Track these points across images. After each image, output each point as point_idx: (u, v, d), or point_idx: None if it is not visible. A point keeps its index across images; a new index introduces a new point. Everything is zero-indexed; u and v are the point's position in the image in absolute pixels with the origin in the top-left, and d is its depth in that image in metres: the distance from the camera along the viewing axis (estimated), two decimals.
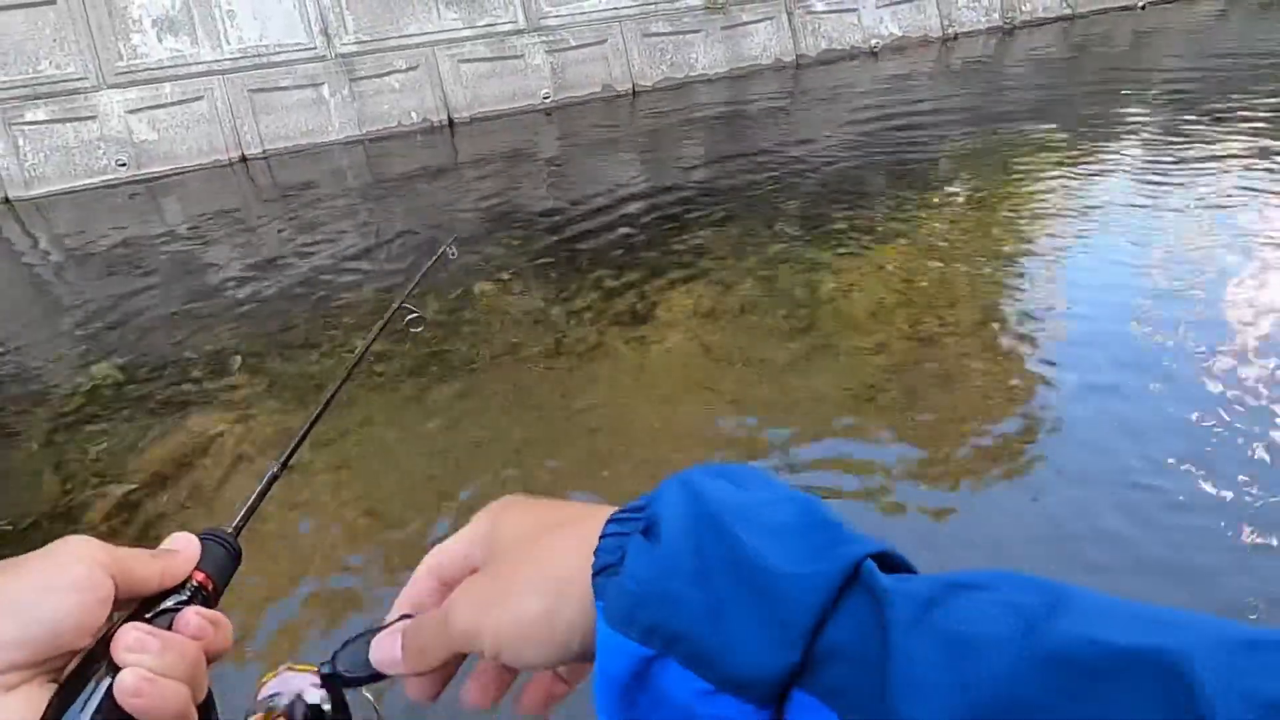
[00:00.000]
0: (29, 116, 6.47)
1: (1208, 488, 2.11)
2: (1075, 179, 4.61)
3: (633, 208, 4.89)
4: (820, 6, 9.01)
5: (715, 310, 3.43)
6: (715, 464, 0.41)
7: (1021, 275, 3.50)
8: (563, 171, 6.12)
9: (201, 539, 0.51)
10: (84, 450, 2.84)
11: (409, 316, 1.02)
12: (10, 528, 2.46)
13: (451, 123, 7.61)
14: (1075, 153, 5.08)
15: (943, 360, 2.85)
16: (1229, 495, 2.08)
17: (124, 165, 6.68)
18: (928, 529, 2.09)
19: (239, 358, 3.40)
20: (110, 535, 2.36)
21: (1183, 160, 4.68)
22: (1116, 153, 5.04)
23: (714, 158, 6.05)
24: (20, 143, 6.46)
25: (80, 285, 4.73)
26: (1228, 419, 2.36)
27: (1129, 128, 5.57)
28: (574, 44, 8.03)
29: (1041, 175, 4.74)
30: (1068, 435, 2.41)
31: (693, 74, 8.50)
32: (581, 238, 4.44)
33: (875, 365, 2.86)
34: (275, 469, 0.65)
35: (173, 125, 6.85)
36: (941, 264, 3.64)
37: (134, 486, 2.59)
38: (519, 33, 7.85)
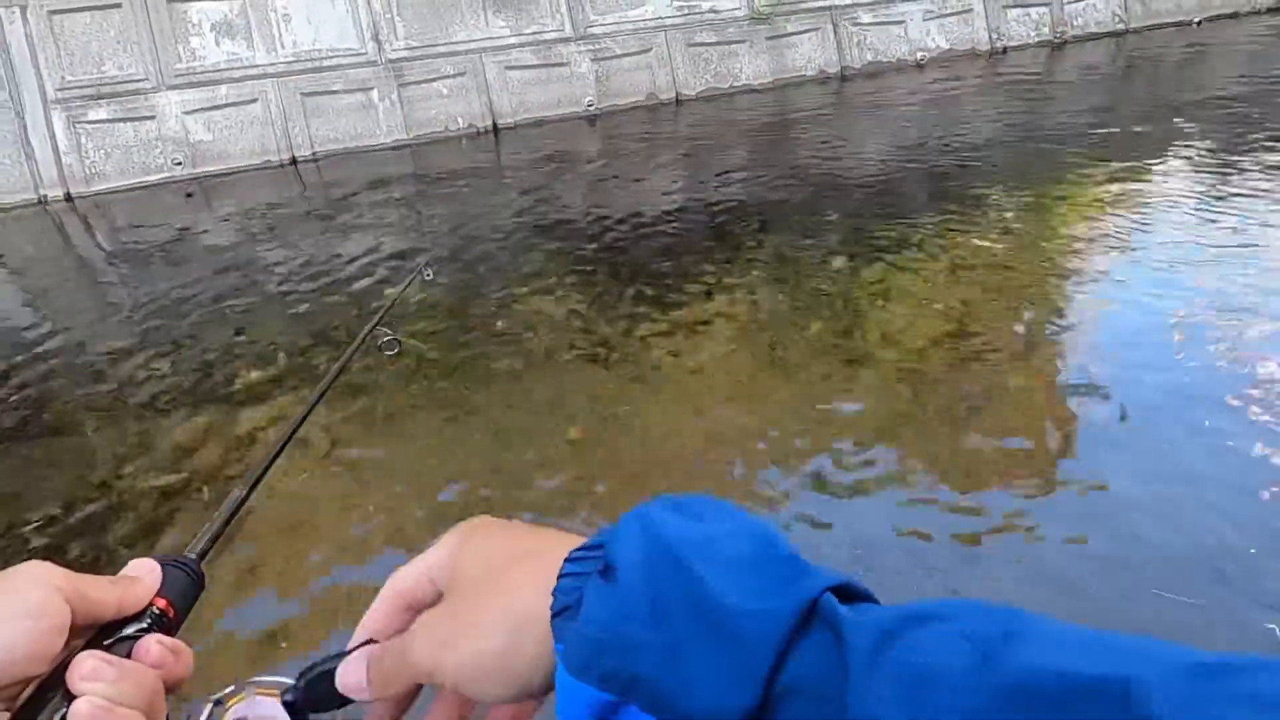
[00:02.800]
0: (91, 116, 6.70)
1: (1260, 516, 2.07)
2: (1125, 197, 4.53)
3: (673, 216, 4.91)
4: (866, 18, 8.96)
5: (754, 321, 3.43)
6: (675, 496, 0.41)
7: (1067, 293, 3.45)
8: (604, 179, 6.17)
9: (163, 565, 0.50)
10: (132, 440, 2.94)
11: (384, 339, 1.01)
12: (61, 512, 2.56)
13: (496, 128, 7.71)
14: (1124, 170, 4.99)
15: (983, 378, 2.82)
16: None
17: (180, 164, 6.88)
18: (964, 549, 2.07)
19: (284, 356, 3.49)
20: (155, 527, 2.44)
21: (1237, 181, 4.57)
22: (1168, 172, 4.95)
23: (755, 168, 6.05)
24: (83, 140, 6.69)
25: (134, 279, 4.88)
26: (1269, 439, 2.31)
27: (1181, 146, 5.45)
28: (619, 52, 8.10)
29: (1089, 193, 4.67)
30: (1114, 458, 2.37)
31: (737, 84, 8.51)
32: (621, 245, 4.47)
33: (914, 380, 2.84)
34: (242, 493, 0.63)
35: (227, 126, 7.04)
36: (984, 280, 3.60)
37: (180, 476, 2.67)
38: (565, 41, 7.93)
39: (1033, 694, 0.28)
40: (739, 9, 8.49)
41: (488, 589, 0.40)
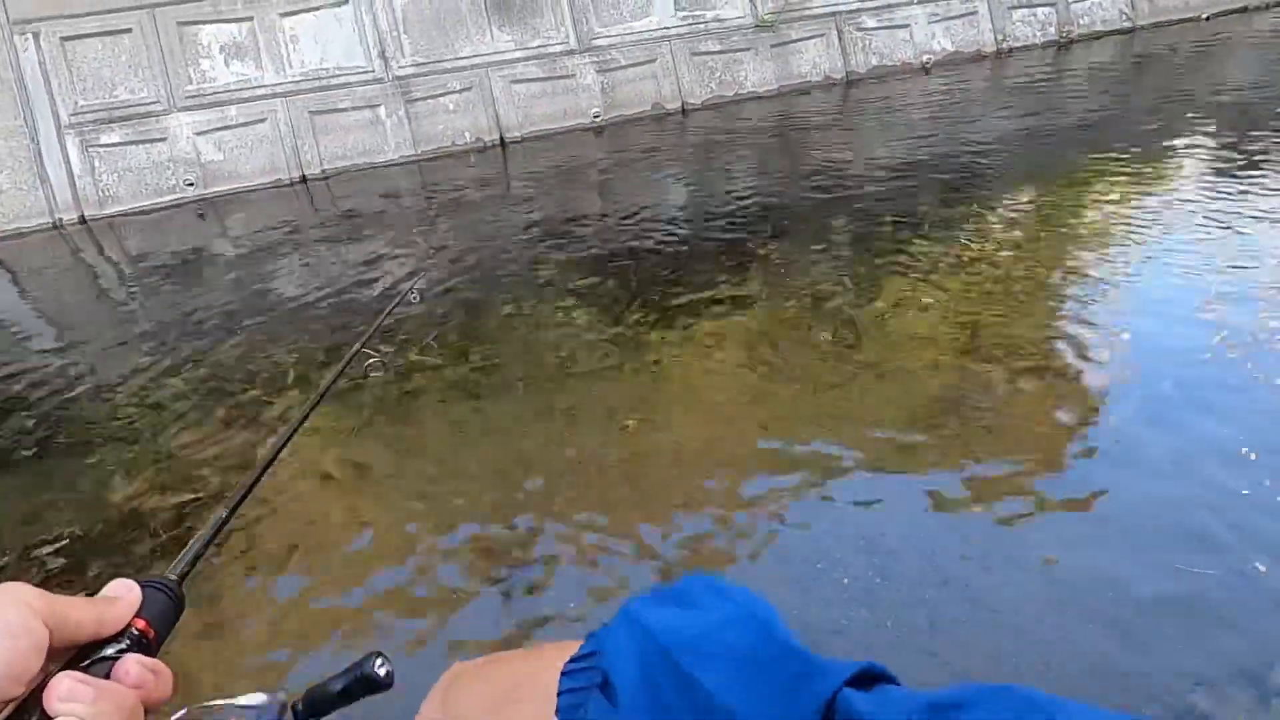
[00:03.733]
0: (104, 139, 6.78)
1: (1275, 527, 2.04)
2: (1135, 198, 4.50)
3: (681, 225, 4.91)
4: (871, 23, 8.97)
5: (763, 330, 3.42)
6: (662, 586, 0.40)
7: (1078, 297, 3.43)
8: (612, 189, 6.18)
9: (143, 586, 0.50)
10: (147, 459, 2.95)
11: (369, 361, 1.00)
12: (82, 533, 2.57)
13: (504, 142, 7.75)
14: (1135, 171, 4.96)
15: (996, 384, 2.80)
16: None
17: (191, 185, 6.95)
18: (980, 557, 2.05)
19: (293, 374, 3.51)
20: (176, 544, 2.44)
21: (1249, 178, 4.53)
22: (1179, 172, 4.91)
23: (763, 175, 6.05)
24: (96, 164, 6.77)
25: (147, 300, 4.92)
26: None
27: (1191, 145, 5.42)
28: (624, 63, 8.13)
29: (1099, 194, 4.64)
30: (1130, 467, 2.34)
31: (742, 91, 8.52)
32: (630, 255, 4.48)
33: (926, 387, 2.83)
34: (223, 515, 0.62)
35: (238, 146, 7.11)
36: (996, 283, 3.58)
37: (196, 495, 2.68)
38: (570, 53, 7.97)
39: None
40: (743, 17, 8.51)
41: None
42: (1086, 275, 3.60)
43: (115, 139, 6.80)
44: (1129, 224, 4.11)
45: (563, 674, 0.38)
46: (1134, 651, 1.72)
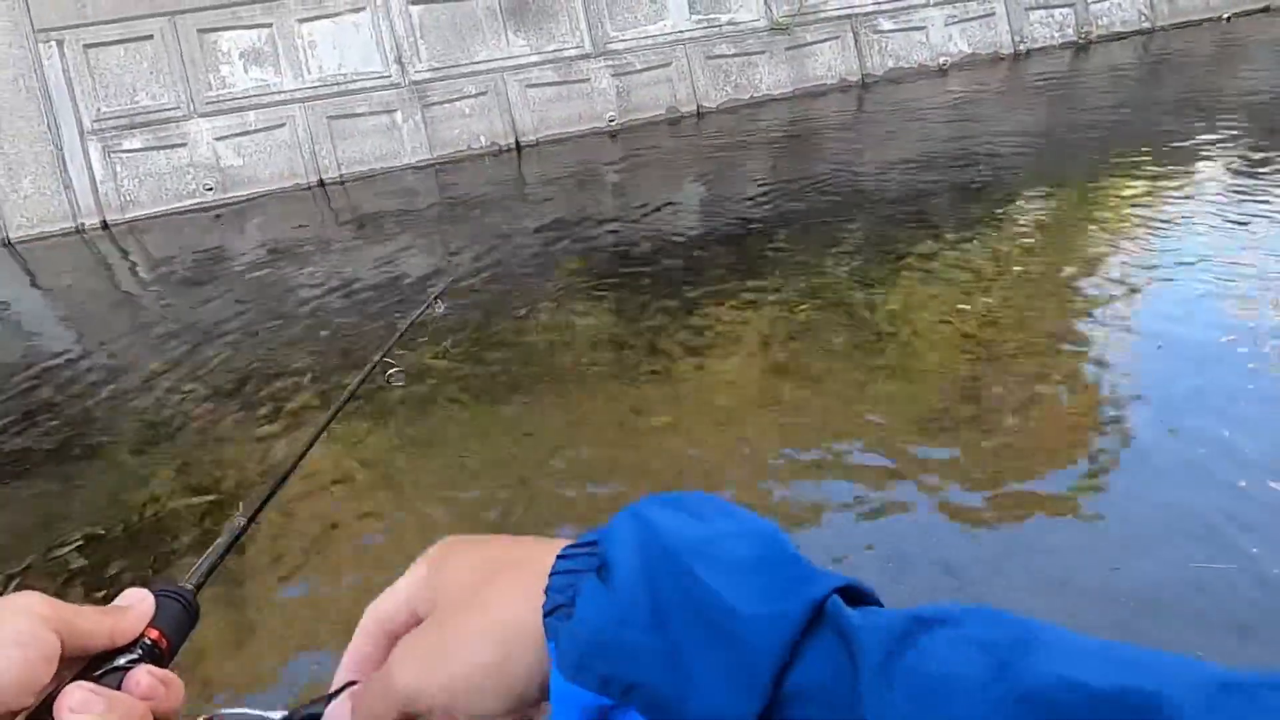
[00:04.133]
0: (126, 145, 6.86)
1: None
2: (1153, 201, 4.46)
3: (696, 228, 4.92)
4: (887, 25, 8.94)
5: (779, 332, 3.42)
6: (671, 493, 0.39)
7: (1098, 300, 3.40)
8: (626, 193, 6.20)
9: (157, 595, 0.49)
10: (168, 461, 2.99)
11: (390, 371, 1.00)
12: (103, 533, 2.61)
13: (519, 146, 7.78)
14: (1153, 174, 4.92)
15: (1013, 387, 2.79)
16: None
17: (211, 189, 7.03)
18: (994, 557, 2.04)
19: (312, 378, 3.54)
20: (195, 546, 2.47)
21: (1271, 180, 4.48)
22: (1198, 174, 4.86)
23: (777, 178, 6.05)
24: (118, 170, 6.86)
25: (168, 303, 4.98)
26: None
27: (1211, 147, 5.36)
28: (639, 67, 8.15)
29: (1117, 197, 4.60)
30: (1146, 471, 2.32)
31: (757, 95, 8.52)
32: (645, 259, 4.48)
33: (941, 389, 2.81)
34: (242, 522, 0.61)
35: (256, 151, 7.18)
36: (1011, 287, 3.56)
37: (216, 498, 2.71)
38: (585, 57, 7.99)
39: (1053, 705, 0.27)
40: (758, 20, 8.51)
41: (474, 601, 0.39)
42: (1106, 278, 3.57)
43: (137, 144, 6.88)
44: (1149, 226, 4.07)
45: (560, 555, 0.38)
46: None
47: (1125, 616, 1.82)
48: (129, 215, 6.84)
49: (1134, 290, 3.43)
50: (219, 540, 0.58)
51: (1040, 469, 2.35)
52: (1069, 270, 3.70)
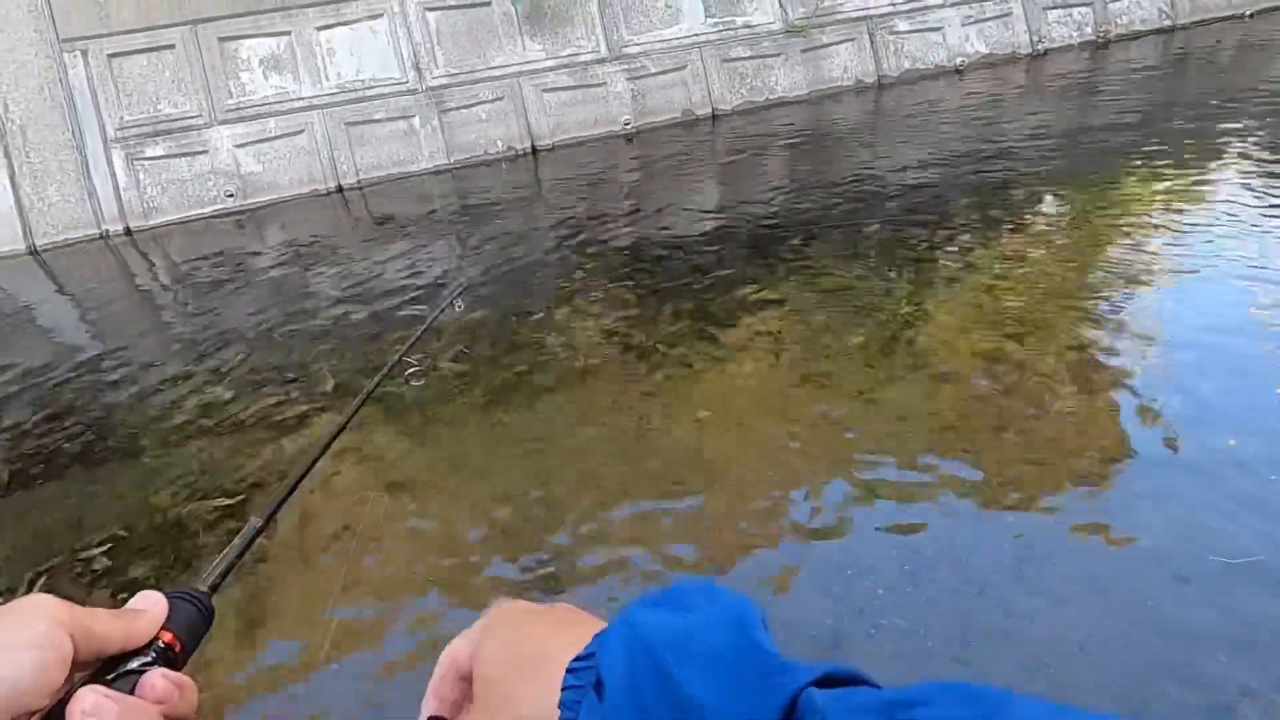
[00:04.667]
0: (148, 152, 6.96)
1: None
2: (1174, 203, 4.41)
3: (711, 231, 4.92)
4: (903, 26, 8.90)
5: (795, 335, 3.41)
6: (664, 589, 0.43)
7: (1119, 303, 3.37)
8: (642, 196, 6.21)
9: (171, 598, 0.50)
10: (191, 463, 3.02)
11: (409, 370, 1.01)
12: (127, 534, 2.64)
13: (535, 150, 7.82)
14: (1174, 175, 4.86)
15: (1034, 390, 2.77)
16: None
17: (232, 196, 7.11)
18: (1014, 565, 2.02)
19: (332, 381, 3.57)
20: (217, 546, 2.50)
21: None
22: (1220, 176, 4.80)
23: (793, 181, 6.03)
24: (141, 177, 6.95)
25: (190, 307, 5.04)
26: None
27: (1233, 149, 5.30)
28: (654, 70, 8.16)
29: (1137, 199, 4.56)
30: (1169, 475, 2.30)
31: (773, 97, 8.51)
32: (660, 261, 4.49)
33: (961, 392, 2.80)
34: (259, 524, 0.61)
35: (276, 158, 7.26)
36: (1029, 290, 3.54)
37: (238, 499, 2.74)
38: (601, 61, 8.02)
39: None
40: (773, 23, 8.50)
41: (496, 699, 0.44)
42: (1127, 280, 3.54)
43: (159, 152, 6.98)
44: (1170, 228, 4.03)
45: (567, 670, 0.41)
46: (1174, 662, 1.69)
47: (1154, 624, 1.80)
48: (152, 222, 6.93)
49: (1156, 292, 3.39)
50: (234, 542, 0.58)
51: (1062, 472, 2.33)
52: (1091, 272, 3.66)
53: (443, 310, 1.18)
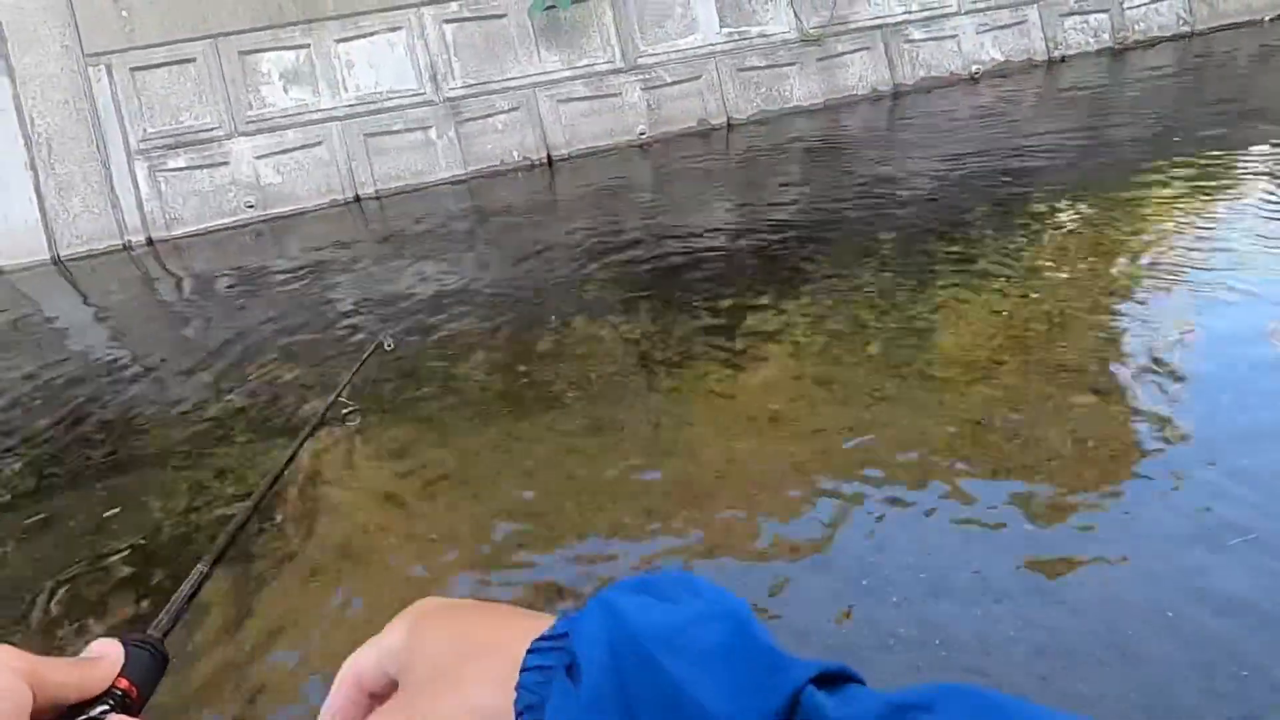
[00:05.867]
0: (170, 164, 7.06)
1: None
2: (1195, 212, 4.37)
3: (728, 240, 4.92)
4: (918, 34, 8.89)
5: (810, 343, 3.41)
6: (641, 576, 0.40)
7: (1135, 315, 3.34)
8: (656, 205, 6.23)
9: (126, 644, 0.50)
10: (210, 471, 3.06)
11: (345, 411, 1.01)
12: (145, 542, 2.67)
13: (550, 160, 7.86)
14: (1196, 184, 4.82)
15: (1051, 402, 2.75)
16: None
17: (251, 206, 7.19)
18: (1032, 575, 2.01)
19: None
20: (241, 557, 2.52)
21: None
22: (1242, 184, 4.76)
23: (811, 190, 6.03)
24: (163, 188, 7.05)
25: (210, 317, 5.10)
26: None
27: (1256, 156, 5.25)
28: (669, 80, 8.19)
29: (1157, 207, 4.52)
30: (1189, 488, 2.28)
31: (788, 106, 8.52)
32: (675, 270, 4.50)
33: (977, 402, 2.78)
34: (204, 569, 0.61)
35: (295, 169, 7.34)
36: (1048, 300, 3.51)
37: (251, 508, 2.76)
38: (616, 72, 8.06)
39: None
40: (789, 32, 8.52)
41: (443, 686, 0.39)
42: (1144, 293, 3.51)
43: (181, 164, 7.08)
44: (1189, 239, 3.99)
45: (530, 650, 0.38)
46: (1195, 673, 1.67)
47: (1175, 635, 1.78)
48: (174, 233, 7.03)
49: (1174, 304, 3.36)
50: (182, 588, 0.59)
51: (1080, 482, 2.31)
52: (1108, 283, 3.64)
53: (372, 352, 1.19)
